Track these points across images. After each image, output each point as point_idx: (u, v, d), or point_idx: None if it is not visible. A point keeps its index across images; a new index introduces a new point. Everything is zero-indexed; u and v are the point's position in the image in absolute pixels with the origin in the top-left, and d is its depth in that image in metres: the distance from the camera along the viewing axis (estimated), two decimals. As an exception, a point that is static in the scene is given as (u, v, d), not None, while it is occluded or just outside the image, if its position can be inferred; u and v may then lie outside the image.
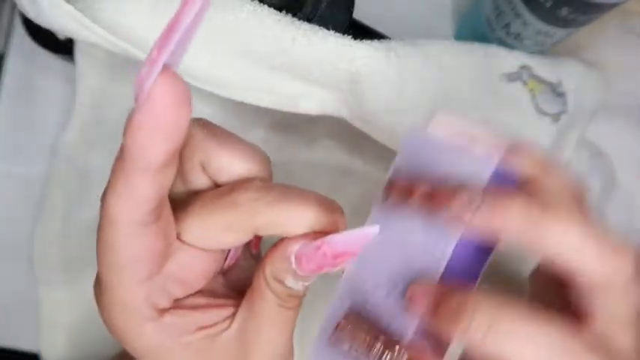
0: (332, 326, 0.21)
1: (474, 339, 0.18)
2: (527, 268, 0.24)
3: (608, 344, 0.19)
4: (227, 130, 0.20)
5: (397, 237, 0.21)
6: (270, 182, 0.20)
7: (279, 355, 0.20)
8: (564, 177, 0.21)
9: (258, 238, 0.23)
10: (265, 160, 0.20)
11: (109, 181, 0.17)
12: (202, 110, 0.31)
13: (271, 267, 0.19)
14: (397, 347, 0.20)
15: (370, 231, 0.17)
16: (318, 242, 0.17)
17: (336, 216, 0.19)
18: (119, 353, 0.36)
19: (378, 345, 0.20)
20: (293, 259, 0.18)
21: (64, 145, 0.36)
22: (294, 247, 0.18)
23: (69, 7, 0.23)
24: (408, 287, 0.20)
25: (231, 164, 0.19)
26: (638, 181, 0.39)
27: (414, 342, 0.20)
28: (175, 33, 0.14)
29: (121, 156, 0.16)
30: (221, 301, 0.21)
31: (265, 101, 0.27)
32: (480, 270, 0.21)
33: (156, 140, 0.15)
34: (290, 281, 0.18)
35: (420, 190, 0.20)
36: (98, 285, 0.19)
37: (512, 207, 0.19)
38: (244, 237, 0.19)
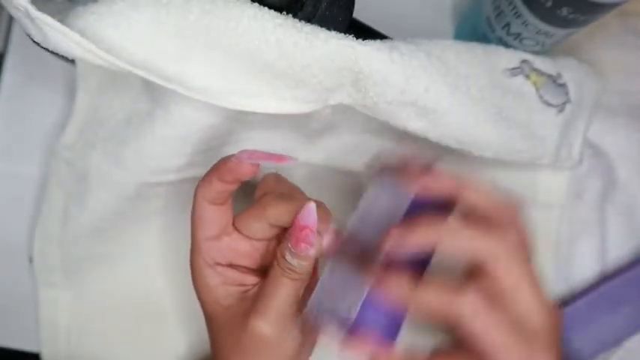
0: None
1: None
2: None
3: None
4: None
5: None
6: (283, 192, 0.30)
7: (279, 312, 0.28)
8: (479, 191, 0.27)
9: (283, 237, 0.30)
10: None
11: (208, 171, 0.29)
12: (199, 116, 0.31)
13: (280, 247, 0.28)
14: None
15: (310, 206, 0.27)
16: (294, 221, 0.27)
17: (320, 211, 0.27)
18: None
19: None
20: (288, 238, 0.27)
21: (63, 146, 0.36)
22: (289, 231, 0.28)
23: (75, 36, 0.23)
24: None
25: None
26: (638, 181, 0.40)
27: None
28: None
29: (221, 164, 0.28)
30: (258, 273, 0.30)
31: (271, 107, 0.28)
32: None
33: (234, 178, 0.28)
34: (288, 256, 0.27)
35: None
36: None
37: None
38: (264, 227, 0.29)
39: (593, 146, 0.39)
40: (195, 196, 0.29)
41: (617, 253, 0.39)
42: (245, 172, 0.28)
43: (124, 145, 0.34)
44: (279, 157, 0.27)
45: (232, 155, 0.28)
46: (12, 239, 0.39)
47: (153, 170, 0.34)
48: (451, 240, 0.25)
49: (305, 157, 0.38)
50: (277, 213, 0.28)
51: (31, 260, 0.38)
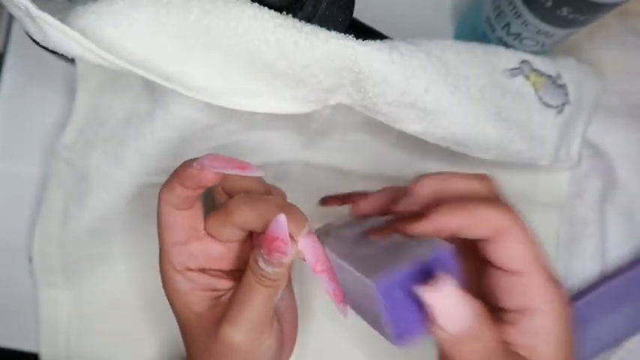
0: None
1: None
2: None
3: None
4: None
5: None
6: (254, 194, 0.28)
7: (252, 321, 0.26)
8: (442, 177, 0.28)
9: (258, 239, 0.28)
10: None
11: (170, 175, 0.27)
12: (199, 116, 0.31)
13: (252, 253, 0.26)
14: None
15: (280, 219, 0.25)
16: (264, 232, 0.25)
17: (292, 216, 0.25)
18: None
19: None
20: (260, 246, 0.25)
21: (63, 146, 0.36)
22: (261, 238, 0.25)
23: (75, 35, 0.23)
24: None
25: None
26: (638, 181, 0.39)
27: None
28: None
29: (182, 170, 0.26)
30: (231, 278, 0.29)
31: (271, 108, 0.27)
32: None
33: (197, 184, 0.26)
34: (262, 263, 0.25)
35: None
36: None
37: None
38: (234, 231, 0.28)
39: (593, 146, 0.39)
40: (159, 200, 0.28)
41: (617, 253, 0.39)
42: (208, 179, 0.26)
43: (124, 145, 0.34)
44: (243, 166, 0.25)
45: (195, 159, 0.26)
46: (12, 239, 0.39)
47: (153, 170, 0.34)
48: (453, 220, 0.25)
49: (305, 157, 0.38)
50: (244, 219, 0.26)
51: (30, 260, 0.38)
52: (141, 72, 0.24)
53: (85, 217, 0.36)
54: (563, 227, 0.39)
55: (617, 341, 0.37)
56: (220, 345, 0.27)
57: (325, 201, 0.33)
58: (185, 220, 0.28)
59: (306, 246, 0.25)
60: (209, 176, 0.25)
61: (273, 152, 0.37)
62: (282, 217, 0.25)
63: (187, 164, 0.26)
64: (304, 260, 0.25)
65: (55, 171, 0.37)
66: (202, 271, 0.28)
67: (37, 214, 0.38)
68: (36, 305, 0.38)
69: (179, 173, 0.26)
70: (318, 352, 0.39)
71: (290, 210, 0.25)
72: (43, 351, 0.38)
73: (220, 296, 0.28)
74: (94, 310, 0.39)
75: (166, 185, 0.27)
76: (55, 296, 0.38)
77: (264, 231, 0.25)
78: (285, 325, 0.30)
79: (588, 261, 0.39)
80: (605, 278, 0.38)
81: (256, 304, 0.26)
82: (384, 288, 0.25)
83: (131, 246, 0.38)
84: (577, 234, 0.39)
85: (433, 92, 0.29)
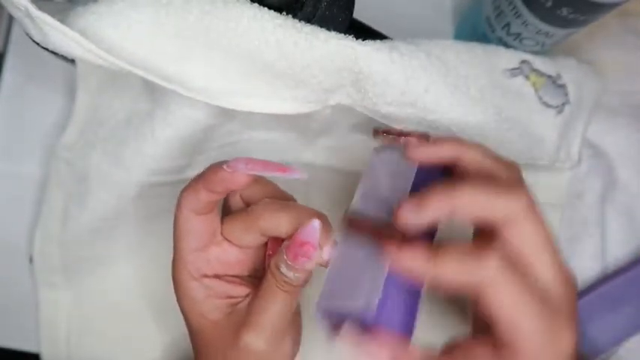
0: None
1: None
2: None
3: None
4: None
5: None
6: (277, 200, 0.27)
7: (274, 327, 0.26)
8: (480, 151, 0.26)
9: (273, 245, 0.28)
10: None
11: (194, 178, 0.26)
12: (199, 116, 0.31)
13: (274, 259, 0.26)
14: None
15: (315, 224, 0.25)
16: (294, 236, 0.25)
17: (324, 223, 0.25)
18: None
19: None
20: (284, 251, 0.25)
21: (63, 146, 0.36)
22: (286, 243, 0.25)
23: (75, 35, 0.23)
24: None
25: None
26: (638, 181, 0.39)
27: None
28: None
29: (211, 173, 0.26)
30: (247, 284, 0.28)
31: (271, 108, 0.27)
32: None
33: (223, 188, 0.26)
34: (284, 269, 0.25)
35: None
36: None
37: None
38: (257, 237, 0.27)
39: (593, 146, 0.39)
40: (178, 205, 0.27)
41: (617, 253, 0.39)
42: (240, 182, 0.25)
43: (124, 145, 0.34)
44: (282, 168, 0.25)
45: (224, 162, 0.25)
46: (12, 239, 0.39)
47: (153, 171, 0.34)
48: (467, 205, 0.23)
49: (305, 157, 0.38)
50: (272, 225, 0.26)
51: (31, 260, 0.38)
52: (141, 72, 0.24)
53: (85, 217, 0.36)
54: (563, 227, 0.39)
55: (617, 341, 0.37)
56: (241, 352, 0.26)
57: (377, 133, 0.30)
58: (205, 225, 0.27)
59: (332, 254, 0.25)
60: (242, 180, 0.25)
61: (273, 152, 0.37)
62: (317, 222, 0.25)
63: (217, 167, 0.25)
64: (325, 266, 0.25)
65: (55, 171, 0.37)
66: (218, 277, 0.28)
67: (37, 215, 0.38)
68: (36, 305, 0.38)
69: (206, 177, 0.26)
70: (322, 356, 0.38)
71: (322, 217, 0.26)
72: (44, 351, 0.38)
73: (237, 303, 0.28)
74: (94, 310, 0.39)
75: (189, 190, 0.26)
76: (56, 296, 0.38)
77: (288, 237, 0.25)
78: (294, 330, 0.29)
79: (588, 261, 0.39)
80: (605, 278, 0.38)
81: (277, 309, 0.26)
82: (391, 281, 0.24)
83: (131, 246, 0.38)
84: (577, 234, 0.39)
85: (433, 92, 0.29)
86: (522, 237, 0.23)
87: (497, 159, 0.26)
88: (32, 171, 0.39)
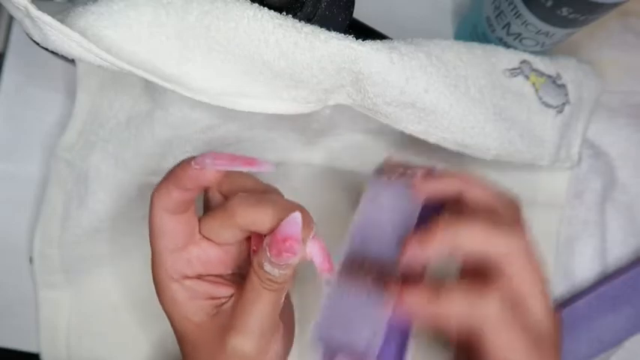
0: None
1: None
2: None
3: None
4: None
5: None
6: (254, 193, 0.26)
7: (261, 328, 0.25)
8: (482, 187, 0.27)
9: (257, 241, 0.27)
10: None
11: (163, 178, 0.25)
12: (199, 116, 0.31)
13: (256, 257, 0.25)
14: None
15: (296, 218, 0.23)
16: (275, 232, 0.24)
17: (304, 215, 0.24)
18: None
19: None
20: (266, 248, 0.24)
21: (63, 147, 0.36)
22: (267, 240, 0.24)
23: (75, 35, 0.23)
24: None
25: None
26: (638, 181, 0.39)
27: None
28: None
29: (179, 170, 0.25)
30: (230, 283, 0.27)
31: (271, 108, 0.27)
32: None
33: (196, 184, 0.25)
34: (267, 267, 0.24)
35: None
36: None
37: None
38: (236, 233, 0.26)
39: (593, 146, 0.39)
40: (151, 205, 0.26)
41: (617, 253, 0.39)
42: (209, 178, 0.24)
43: (124, 145, 0.34)
44: (251, 162, 0.24)
45: (191, 158, 0.24)
46: (12, 239, 0.39)
47: (153, 171, 0.34)
48: (469, 242, 0.24)
49: (305, 157, 0.38)
50: (249, 221, 0.25)
51: (31, 261, 0.38)
52: (141, 73, 0.24)
53: (85, 217, 0.36)
54: (563, 227, 0.39)
55: (617, 341, 0.37)
56: (228, 355, 0.25)
57: (383, 168, 0.31)
58: (181, 224, 0.26)
59: (315, 247, 0.25)
60: (210, 175, 0.24)
61: (273, 152, 0.37)
62: (297, 215, 0.23)
63: (185, 164, 0.25)
64: (311, 260, 0.25)
65: (55, 171, 0.37)
66: (200, 277, 0.27)
67: (37, 215, 0.38)
68: (36, 306, 0.38)
69: (176, 174, 0.25)
70: None
71: (302, 209, 0.24)
72: (44, 351, 0.38)
73: (221, 304, 0.27)
74: (94, 310, 0.39)
75: (160, 188, 0.25)
76: (55, 297, 0.38)
77: (270, 232, 0.24)
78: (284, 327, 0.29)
79: (588, 261, 0.39)
80: (605, 278, 0.38)
81: (264, 309, 0.25)
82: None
83: (132, 247, 0.38)
84: (577, 234, 0.39)
85: (433, 92, 0.29)
86: (521, 275, 0.25)
87: (500, 195, 0.27)
88: (32, 171, 0.39)
